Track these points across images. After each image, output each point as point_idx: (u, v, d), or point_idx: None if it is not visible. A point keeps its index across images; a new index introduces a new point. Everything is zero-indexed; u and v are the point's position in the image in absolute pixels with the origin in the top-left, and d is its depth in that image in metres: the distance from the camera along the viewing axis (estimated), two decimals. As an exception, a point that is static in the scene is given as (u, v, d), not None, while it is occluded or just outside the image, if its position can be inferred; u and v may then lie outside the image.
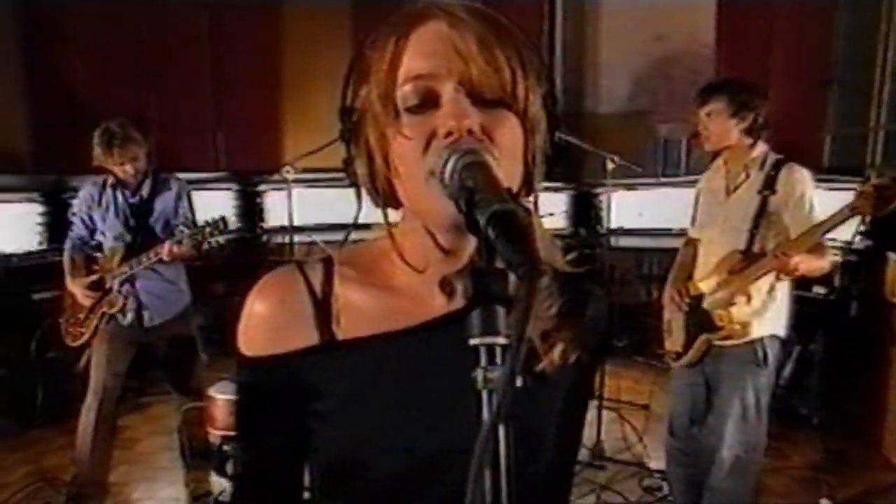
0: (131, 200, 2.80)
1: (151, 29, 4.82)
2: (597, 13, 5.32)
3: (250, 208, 4.97)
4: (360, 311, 0.67)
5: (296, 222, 4.77)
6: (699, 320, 2.23)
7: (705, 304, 2.21)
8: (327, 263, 0.71)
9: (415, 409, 0.65)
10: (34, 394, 3.55)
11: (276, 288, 0.69)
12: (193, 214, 2.85)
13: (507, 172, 0.58)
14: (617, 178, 3.14)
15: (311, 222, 4.62)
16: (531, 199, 0.70)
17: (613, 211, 3.54)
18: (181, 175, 2.98)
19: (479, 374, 0.45)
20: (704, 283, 2.25)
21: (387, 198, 0.65)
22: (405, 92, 0.59)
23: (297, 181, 3.33)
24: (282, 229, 4.90)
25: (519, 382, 0.43)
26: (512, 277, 0.48)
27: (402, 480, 0.66)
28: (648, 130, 5.15)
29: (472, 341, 0.46)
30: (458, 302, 0.65)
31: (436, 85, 0.58)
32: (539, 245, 0.69)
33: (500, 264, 0.47)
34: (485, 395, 0.46)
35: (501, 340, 0.45)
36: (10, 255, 3.70)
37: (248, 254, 4.91)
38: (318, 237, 4.08)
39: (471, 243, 0.64)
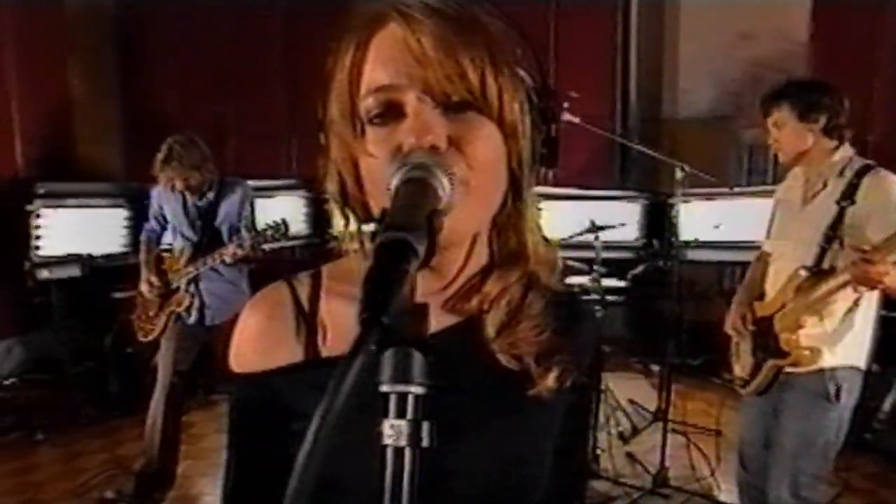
0: (198, 203, 2.93)
1: (228, 41, 5.07)
2: (676, 10, 5.07)
3: (319, 214, 5.08)
4: (345, 328, 0.63)
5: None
6: (767, 344, 2.02)
7: (776, 329, 2.00)
8: (315, 277, 0.68)
9: None
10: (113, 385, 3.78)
11: (265, 304, 0.67)
12: (253, 218, 2.95)
13: (485, 182, 0.56)
14: (690, 187, 2.96)
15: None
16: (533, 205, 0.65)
17: (688, 222, 3.34)
18: (255, 182, 3.10)
19: (384, 427, 0.42)
20: (771, 303, 2.04)
21: (361, 213, 0.63)
22: (367, 105, 0.56)
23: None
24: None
25: (426, 443, 0.42)
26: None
27: None
28: (732, 137, 4.84)
29: (382, 388, 0.42)
30: (445, 320, 0.62)
31: (398, 96, 0.54)
32: (533, 259, 0.65)
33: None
34: (389, 452, 0.42)
35: (414, 390, 0.42)
36: (96, 257, 3.98)
37: (314, 259, 5.03)
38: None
39: (457, 259, 0.62)
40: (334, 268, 0.69)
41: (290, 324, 0.65)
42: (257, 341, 0.66)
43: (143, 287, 2.97)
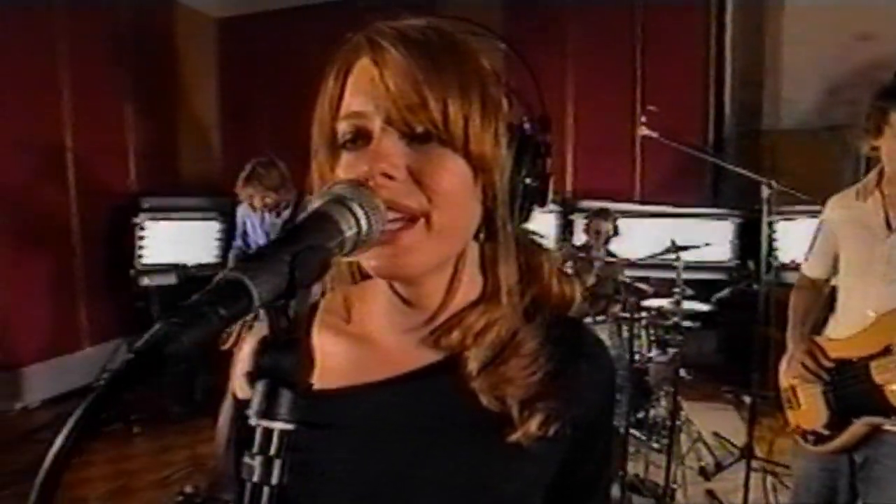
0: (275, 221, 3.10)
1: (318, 67, 5.31)
2: (778, 12, 4.68)
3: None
4: (332, 361, 0.64)
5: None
6: (855, 394, 1.74)
7: (874, 376, 1.69)
8: (311, 309, 0.67)
9: (371, 467, 0.61)
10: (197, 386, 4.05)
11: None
12: None
13: (446, 216, 0.55)
14: (792, 203, 2.70)
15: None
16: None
17: (788, 242, 3.06)
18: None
19: (246, 459, 0.42)
20: (861, 343, 1.74)
21: None
22: (342, 129, 0.57)
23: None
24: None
25: (275, 481, 0.41)
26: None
27: None
28: (844, 148, 4.38)
29: (251, 421, 0.43)
30: (426, 357, 0.62)
31: (367, 123, 0.55)
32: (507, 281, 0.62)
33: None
34: (247, 487, 0.42)
35: (279, 426, 0.42)
36: (190, 266, 4.32)
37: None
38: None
39: (435, 291, 0.61)
40: (332, 299, 0.68)
41: None
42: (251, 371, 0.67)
43: None
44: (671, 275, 3.13)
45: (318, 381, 0.60)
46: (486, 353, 0.60)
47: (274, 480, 0.41)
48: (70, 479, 3.07)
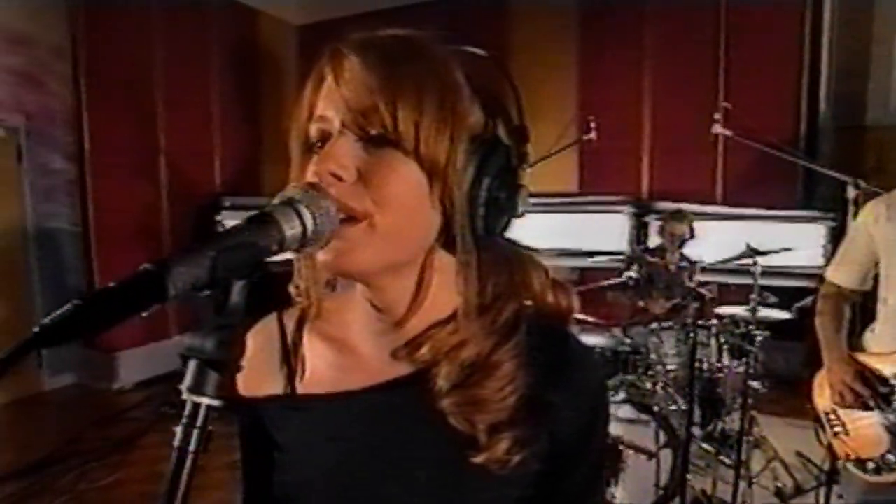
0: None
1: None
2: None
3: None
4: (319, 366, 0.68)
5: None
6: None
7: None
8: (303, 312, 0.70)
9: (349, 473, 0.63)
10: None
11: (257, 335, 0.70)
12: None
13: (391, 220, 0.55)
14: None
15: (532, 247, 4.63)
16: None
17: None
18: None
19: (178, 429, 0.46)
20: None
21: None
22: (311, 131, 0.59)
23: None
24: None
25: (192, 448, 0.45)
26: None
27: None
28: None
29: (183, 395, 0.46)
30: (401, 369, 0.62)
31: (329, 127, 0.57)
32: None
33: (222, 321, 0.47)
34: (173, 455, 0.45)
35: (206, 401, 0.46)
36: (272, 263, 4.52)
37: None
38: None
39: (400, 297, 0.61)
40: (324, 307, 0.69)
41: (275, 357, 0.68)
42: (249, 370, 0.70)
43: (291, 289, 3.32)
44: (770, 282, 2.93)
45: (311, 385, 0.66)
46: (458, 372, 0.59)
47: (192, 447, 0.45)
48: (143, 457, 3.31)
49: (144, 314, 0.41)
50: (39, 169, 4.39)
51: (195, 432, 0.45)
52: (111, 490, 2.97)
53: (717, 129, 2.69)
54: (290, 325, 0.69)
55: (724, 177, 4.74)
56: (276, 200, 0.52)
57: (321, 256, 0.57)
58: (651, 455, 2.04)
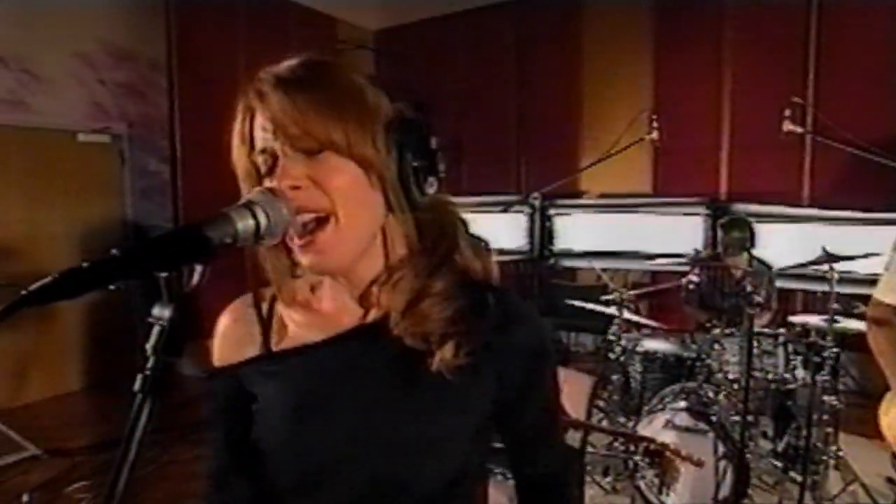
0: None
1: (467, 67, 5.51)
2: None
3: (541, 231, 5.12)
4: (291, 328, 0.79)
5: (584, 247, 4.80)
6: None
7: None
8: (276, 292, 0.81)
9: (326, 412, 0.73)
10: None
11: (232, 310, 0.83)
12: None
13: (348, 207, 0.67)
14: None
15: (600, 248, 4.57)
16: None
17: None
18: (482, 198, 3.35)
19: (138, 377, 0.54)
20: None
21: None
22: (259, 162, 0.69)
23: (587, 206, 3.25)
24: (566, 254, 4.98)
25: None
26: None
27: (308, 475, 0.73)
28: None
29: (147, 353, 0.55)
30: (364, 316, 0.74)
31: (273, 150, 0.68)
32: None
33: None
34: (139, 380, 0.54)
35: (165, 358, 0.55)
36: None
37: (532, 275, 5.09)
38: (598, 263, 3.99)
39: (367, 271, 0.73)
40: (299, 286, 0.81)
41: (250, 326, 0.80)
42: (226, 339, 0.81)
43: None
44: (836, 288, 2.73)
45: (283, 344, 0.77)
46: (405, 298, 0.71)
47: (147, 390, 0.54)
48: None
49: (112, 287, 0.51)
50: (139, 171, 4.81)
51: (150, 379, 0.54)
52: (191, 464, 3.21)
53: (788, 126, 2.54)
54: (264, 300, 0.80)
55: (812, 177, 4.44)
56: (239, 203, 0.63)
57: (304, 261, 0.69)
58: (697, 464, 1.97)
